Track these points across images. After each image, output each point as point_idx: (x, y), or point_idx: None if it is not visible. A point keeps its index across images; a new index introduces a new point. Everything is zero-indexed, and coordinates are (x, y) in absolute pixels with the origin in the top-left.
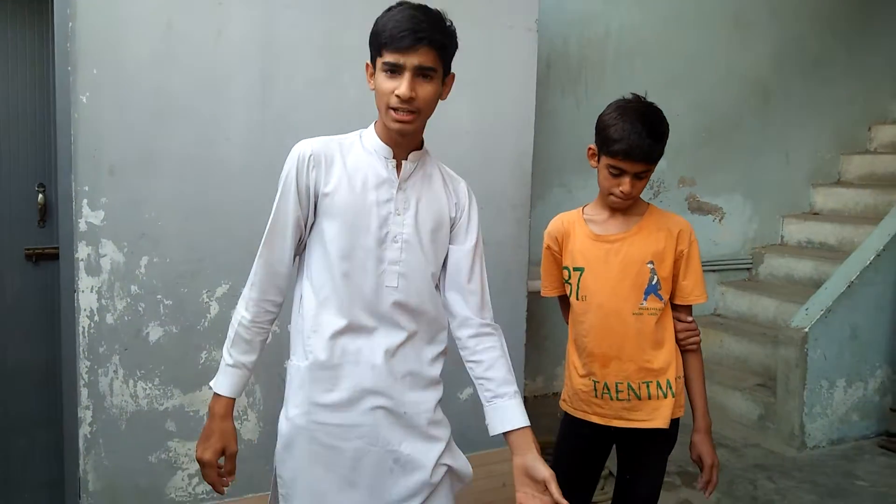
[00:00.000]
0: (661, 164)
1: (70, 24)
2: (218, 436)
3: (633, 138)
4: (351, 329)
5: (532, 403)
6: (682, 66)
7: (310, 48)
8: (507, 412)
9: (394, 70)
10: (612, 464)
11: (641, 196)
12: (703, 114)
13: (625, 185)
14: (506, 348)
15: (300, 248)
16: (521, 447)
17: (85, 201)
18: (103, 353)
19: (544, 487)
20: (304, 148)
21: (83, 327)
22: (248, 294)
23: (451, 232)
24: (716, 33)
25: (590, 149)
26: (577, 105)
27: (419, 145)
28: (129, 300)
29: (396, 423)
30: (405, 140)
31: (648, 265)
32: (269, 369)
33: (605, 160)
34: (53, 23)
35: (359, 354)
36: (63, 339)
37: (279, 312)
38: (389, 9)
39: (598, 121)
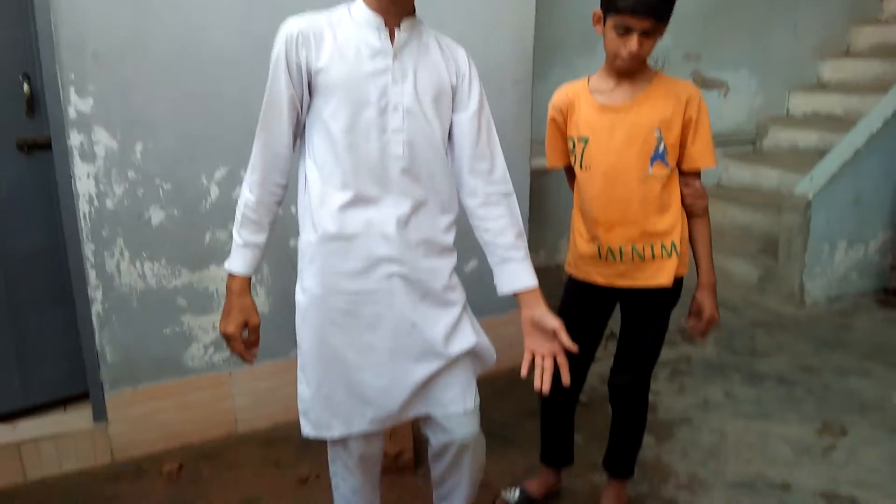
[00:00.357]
0: (666, 39)
1: None
2: (238, 310)
3: None
4: (359, 200)
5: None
6: None
7: None
8: (515, 273)
9: None
10: (614, 325)
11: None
12: None
13: (632, 43)
14: (517, 213)
15: (299, 131)
16: (529, 303)
17: (72, 89)
18: (107, 236)
19: (553, 336)
20: (290, 27)
21: (84, 213)
22: (250, 177)
23: (453, 100)
24: None
25: (594, 14)
26: None
27: (411, 12)
28: (127, 185)
29: (413, 290)
30: (395, 7)
31: (655, 132)
32: (277, 247)
33: (610, 20)
34: None
35: (370, 225)
36: (65, 225)
37: (284, 194)
38: None
39: None
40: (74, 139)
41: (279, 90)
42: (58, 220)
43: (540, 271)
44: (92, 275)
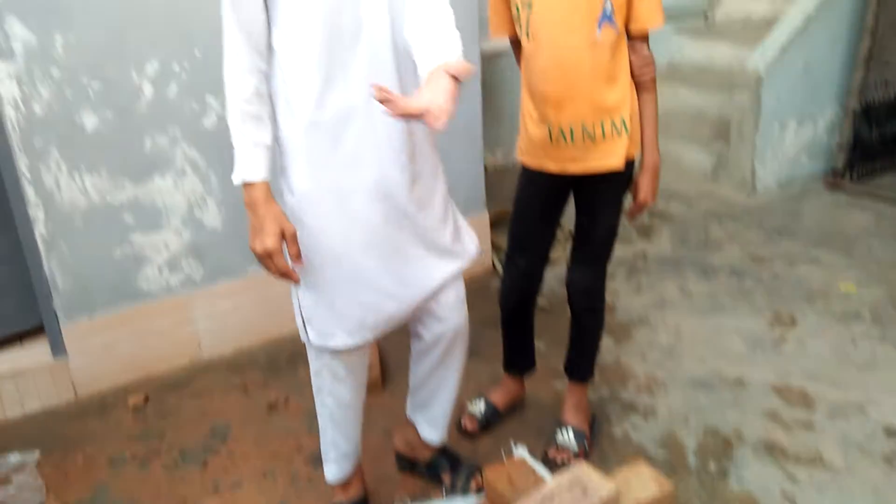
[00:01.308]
0: None
1: None
2: (270, 220)
3: None
4: (338, 77)
5: (492, 174)
6: None
7: None
8: (433, 56)
9: None
10: (570, 223)
11: None
12: None
13: None
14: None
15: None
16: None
17: None
18: (40, 147)
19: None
20: None
21: (11, 120)
22: (232, 69)
23: None
24: None
25: None
26: None
27: None
28: (53, 86)
29: (403, 175)
30: None
31: None
32: (221, 154)
33: None
34: None
35: (353, 110)
36: None
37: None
38: None
39: None
40: None
41: None
42: None
43: (498, 172)
44: (30, 192)
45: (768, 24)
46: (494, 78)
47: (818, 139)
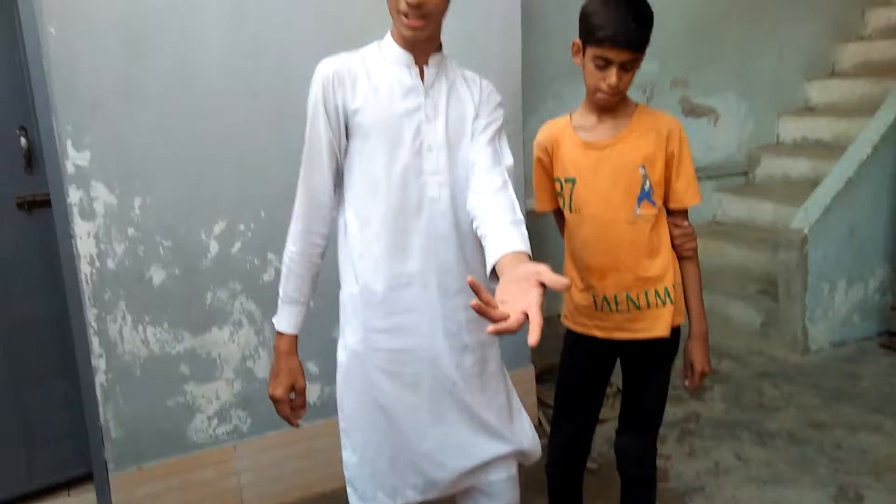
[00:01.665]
0: (652, 66)
1: None
2: (286, 372)
3: (618, 23)
4: (398, 248)
5: None
6: None
7: None
8: (506, 238)
9: None
10: (619, 380)
11: (634, 99)
12: (692, 10)
13: (611, 77)
14: (509, 188)
15: (339, 179)
16: (512, 264)
17: (69, 142)
18: (109, 299)
19: (532, 286)
20: (326, 69)
21: (85, 274)
22: (294, 228)
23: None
24: None
25: (574, 44)
26: (564, 6)
27: (438, 49)
28: (127, 243)
29: (453, 344)
30: (423, 44)
31: (640, 170)
32: (276, 306)
33: (589, 52)
34: None
35: (410, 276)
36: (67, 288)
37: (326, 245)
38: None
39: (580, 12)
40: (73, 196)
41: (318, 135)
42: (59, 283)
43: (544, 320)
44: (95, 342)
45: (809, 183)
46: (539, 230)
47: (870, 299)
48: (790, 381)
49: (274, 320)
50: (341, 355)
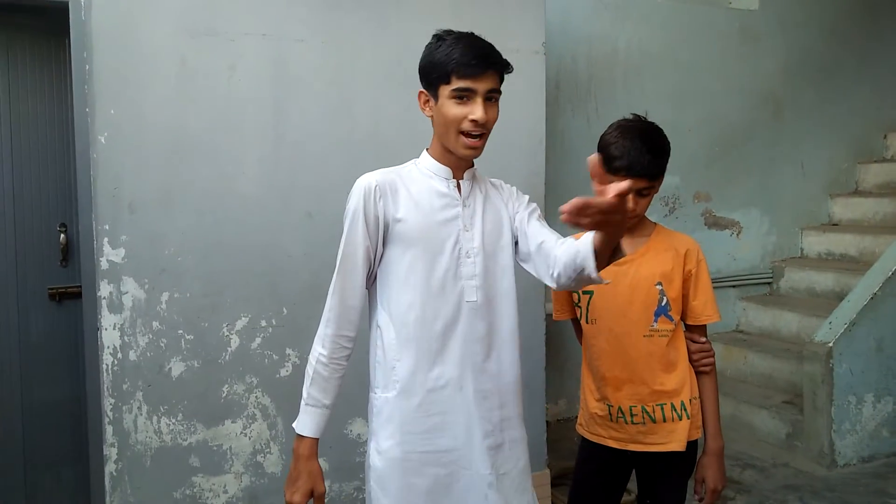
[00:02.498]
0: (675, 179)
1: (87, 65)
2: (305, 477)
3: (634, 154)
4: (435, 352)
5: (555, 427)
6: (691, 81)
7: (321, 80)
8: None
9: (464, 96)
10: (635, 486)
11: (655, 215)
12: (715, 127)
13: (629, 202)
14: None
15: (369, 282)
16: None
17: (106, 240)
18: (127, 389)
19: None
20: (368, 180)
21: (107, 365)
22: (323, 331)
23: (513, 223)
24: (723, 46)
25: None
26: (587, 123)
27: (471, 164)
28: (151, 336)
29: (489, 446)
30: (462, 162)
31: (657, 286)
32: (291, 401)
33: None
34: (71, 63)
35: (448, 379)
36: (87, 377)
37: (354, 347)
38: (439, 39)
39: (599, 140)
40: (104, 289)
41: (356, 242)
42: (80, 372)
43: (560, 423)
44: (109, 431)
45: (834, 296)
46: (558, 334)
47: None
48: (816, 495)
49: (295, 424)
50: (376, 460)
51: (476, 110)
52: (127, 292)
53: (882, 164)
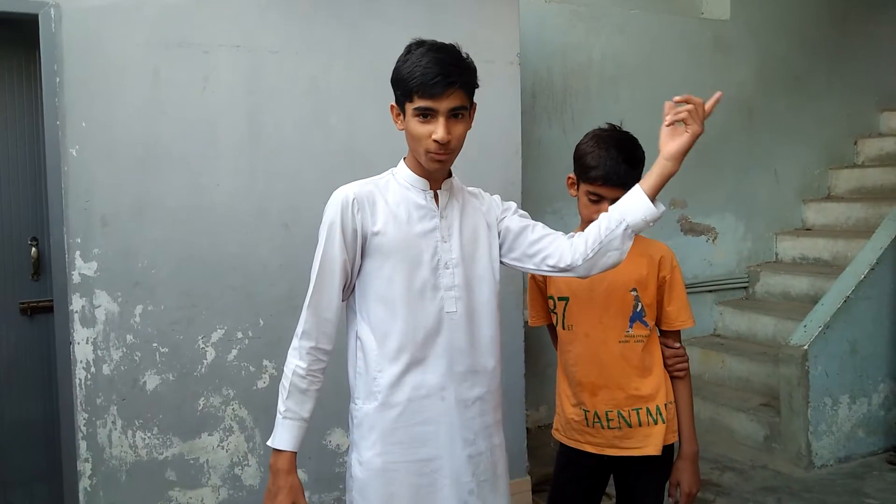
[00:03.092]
0: None
1: (57, 78)
2: (286, 492)
3: (610, 164)
4: (416, 362)
5: (535, 434)
6: (665, 90)
7: (296, 91)
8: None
9: (426, 114)
10: (613, 489)
11: None
12: None
13: (604, 210)
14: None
15: (346, 294)
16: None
17: (77, 253)
18: (101, 404)
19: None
20: (346, 193)
21: (80, 379)
22: (298, 344)
23: (498, 226)
24: (696, 55)
25: (569, 178)
26: (563, 133)
27: (449, 174)
28: (124, 350)
29: (470, 454)
30: (438, 173)
31: (632, 292)
32: (269, 412)
33: (583, 187)
34: (41, 76)
35: (429, 388)
36: (60, 392)
37: (329, 360)
38: (408, 51)
39: (575, 150)
40: (76, 303)
41: (333, 255)
42: (53, 387)
43: (540, 429)
44: (83, 447)
45: (809, 299)
46: (538, 341)
47: (874, 415)
48: (794, 496)
49: (271, 440)
50: (357, 471)
51: (438, 130)
52: (100, 306)
53: (853, 169)
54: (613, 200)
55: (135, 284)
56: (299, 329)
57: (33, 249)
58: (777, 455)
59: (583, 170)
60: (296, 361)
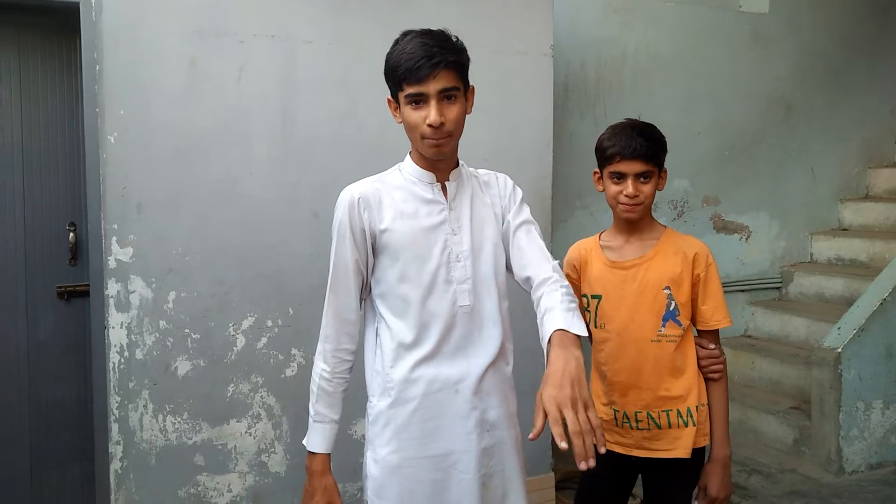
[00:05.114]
0: (684, 183)
1: (97, 66)
2: (321, 493)
3: (624, 139)
4: (430, 357)
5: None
6: (700, 85)
7: (329, 82)
8: (553, 319)
9: (418, 100)
10: (641, 489)
11: (664, 219)
12: (724, 131)
13: (627, 187)
14: (567, 288)
15: (365, 292)
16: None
17: (114, 239)
18: (133, 388)
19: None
20: (351, 192)
21: (113, 363)
22: (322, 347)
23: (503, 220)
24: (733, 49)
25: (595, 173)
26: (595, 127)
27: (456, 163)
28: (157, 335)
29: (484, 447)
30: (444, 162)
31: (665, 291)
32: (297, 402)
33: (606, 172)
34: (81, 64)
35: (444, 382)
36: (94, 376)
37: (354, 360)
38: (396, 42)
39: (596, 146)
40: (112, 288)
41: (345, 256)
42: (87, 370)
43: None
44: (115, 429)
45: (843, 301)
46: None
47: None
48: (823, 501)
49: (305, 442)
50: (373, 469)
51: (431, 113)
52: (134, 291)
53: (893, 168)
54: (636, 176)
55: (168, 271)
56: (322, 332)
57: (71, 235)
58: (806, 459)
59: (602, 157)
60: (321, 365)
